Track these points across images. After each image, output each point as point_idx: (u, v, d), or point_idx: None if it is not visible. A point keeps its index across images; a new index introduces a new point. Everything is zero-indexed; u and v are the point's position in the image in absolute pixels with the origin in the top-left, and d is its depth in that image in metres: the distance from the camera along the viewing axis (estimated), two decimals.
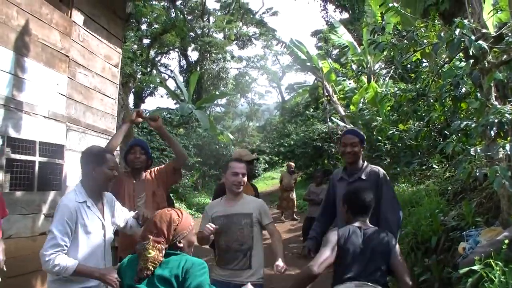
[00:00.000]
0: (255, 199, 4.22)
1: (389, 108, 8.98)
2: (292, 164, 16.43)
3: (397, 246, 3.42)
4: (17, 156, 5.98)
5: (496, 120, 3.71)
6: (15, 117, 5.84)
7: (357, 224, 3.46)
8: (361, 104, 12.31)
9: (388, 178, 4.21)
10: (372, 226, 3.50)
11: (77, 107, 7.08)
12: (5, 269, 3.82)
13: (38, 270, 5.99)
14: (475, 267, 3.46)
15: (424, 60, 10.12)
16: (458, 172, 3.99)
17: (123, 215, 3.77)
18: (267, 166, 33.36)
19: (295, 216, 15.25)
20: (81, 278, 3.22)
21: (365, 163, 4.31)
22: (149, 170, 4.83)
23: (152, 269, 2.51)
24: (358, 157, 4.25)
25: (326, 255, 3.28)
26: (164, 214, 2.67)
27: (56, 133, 6.54)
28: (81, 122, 7.16)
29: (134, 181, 4.68)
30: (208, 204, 4.43)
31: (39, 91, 6.20)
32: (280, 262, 3.67)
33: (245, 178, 4.07)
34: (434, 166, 8.12)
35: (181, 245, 2.65)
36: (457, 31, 4.18)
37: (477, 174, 3.64)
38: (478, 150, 3.89)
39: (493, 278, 3.25)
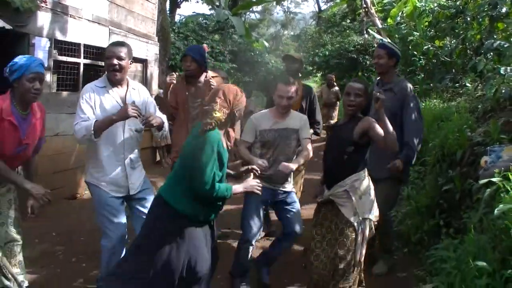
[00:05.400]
0: (299, 115, 4.29)
1: (427, 23, 8.85)
2: (332, 76, 14.09)
3: None
4: (64, 58, 6.29)
5: None
6: (61, 21, 6.08)
7: None
8: (398, 18, 12.06)
9: (415, 95, 4.35)
10: None
11: (119, 11, 7.26)
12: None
13: (81, 166, 6.47)
14: (494, 179, 3.65)
15: None
16: (486, 88, 4.06)
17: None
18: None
19: None
20: (111, 168, 3.57)
21: (399, 77, 4.45)
22: (210, 77, 4.79)
23: (214, 126, 2.93)
24: (385, 68, 4.38)
25: None
26: (231, 87, 3.18)
27: (99, 36, 6.78)
28: (123, 26, 7.36)
29: (189, 91, 4.69)
30: (253, 114, 4.38)
31: None
32: (288, 164, 3.85)
33: (291, 101, 4.09)
34: (467, 84, 8.13)
35: (237, 114, 3.14)
36: None
37: (503, 91, 3.73)
38: (508, 70, 3.97)
39: (509, 189, 3.47)
